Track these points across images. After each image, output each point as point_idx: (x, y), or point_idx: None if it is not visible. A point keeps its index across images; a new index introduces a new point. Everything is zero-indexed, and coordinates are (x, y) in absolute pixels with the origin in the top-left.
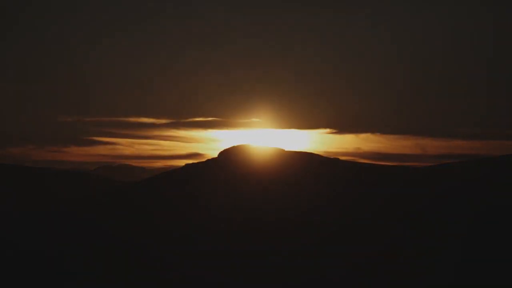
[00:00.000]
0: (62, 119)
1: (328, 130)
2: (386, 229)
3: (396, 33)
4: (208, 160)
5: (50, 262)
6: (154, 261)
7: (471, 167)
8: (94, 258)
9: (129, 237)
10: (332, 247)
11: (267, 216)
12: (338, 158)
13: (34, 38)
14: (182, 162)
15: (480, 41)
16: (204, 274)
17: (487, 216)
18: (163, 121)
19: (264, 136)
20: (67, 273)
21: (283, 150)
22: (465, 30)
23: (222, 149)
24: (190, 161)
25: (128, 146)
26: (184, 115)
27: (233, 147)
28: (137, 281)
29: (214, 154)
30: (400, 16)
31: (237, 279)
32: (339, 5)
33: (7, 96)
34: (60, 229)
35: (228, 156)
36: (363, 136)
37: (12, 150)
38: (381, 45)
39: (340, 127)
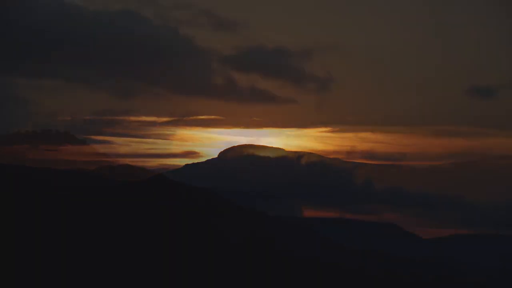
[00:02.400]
0: (58, 117)
1: (328, 128)
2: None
3: (396, 33)
4: (208, 160)
5: (50, 261)
6: (154, 261)
7: (471, 167)
8: (93, 258)
9: (129, 237)
10: (327, 242)
11: (267, 216)
12: (338, 158)
13: (33, 37)
14: (177, 161)
15: (480, 42)
16: (204, 274)
17: (487, 216)
18: (165, 119)
19: (264, 136)
20: (67, 273)
21: (283, 150)
22: (465, 30)
23: (217, 148)
24: (186, 160)
25: (124, 145)
26: (187, 113)
27: (233, 147)
28: (137, 281)
29: (210, 152)
30: (403, 13)
31: (237, 278)
32: (338, 5)
33: (4, 95)
34: (60, 229)
35: (228, 156)
36: (362, 135)
37: (8, 149)
38: (381, 44)
39: (340, 126)
